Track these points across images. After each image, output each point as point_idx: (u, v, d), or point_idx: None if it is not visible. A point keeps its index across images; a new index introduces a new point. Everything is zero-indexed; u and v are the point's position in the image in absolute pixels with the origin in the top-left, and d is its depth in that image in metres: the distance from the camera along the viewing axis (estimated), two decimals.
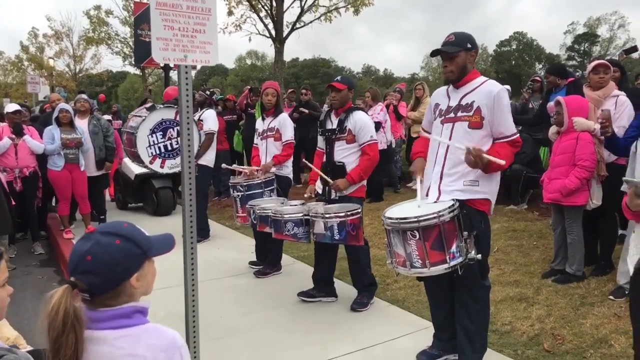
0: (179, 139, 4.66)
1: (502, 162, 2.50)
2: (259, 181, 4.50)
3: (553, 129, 4.34)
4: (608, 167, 4.01)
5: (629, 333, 3.16)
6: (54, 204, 7.46)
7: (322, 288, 4.03)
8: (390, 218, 2.58)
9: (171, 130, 4.71)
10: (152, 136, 4.52)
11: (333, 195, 3.76)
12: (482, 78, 2.74)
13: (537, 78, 7.45)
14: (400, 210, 2.71)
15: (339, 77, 3.99)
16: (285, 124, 4.76)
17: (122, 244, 1.32)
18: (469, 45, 2.69)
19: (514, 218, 6.08)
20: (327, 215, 3.41)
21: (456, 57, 2.68)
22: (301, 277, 4.60)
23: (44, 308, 1.22)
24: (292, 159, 4.89)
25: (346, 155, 3.77)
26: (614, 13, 52.16)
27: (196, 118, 5.56)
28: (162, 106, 5.14)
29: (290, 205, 3.94)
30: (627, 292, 3.54)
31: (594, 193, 4.02)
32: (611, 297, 3.69)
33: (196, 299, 2.55)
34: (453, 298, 2.81)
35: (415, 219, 2.48)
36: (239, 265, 5.02)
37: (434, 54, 2.79)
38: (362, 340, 3.27)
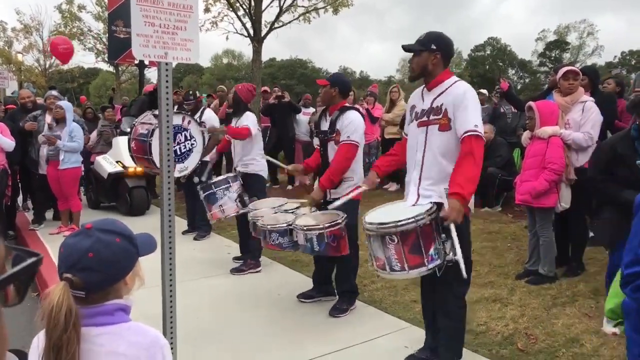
0: (186, 143, 4.76)
1: (469, 176, 2.51)
2: (223, 178, 4.67)
3: (526, 134, 4.44)
4: (576, 172, 4.12)
5: (599, 333, 3.26)
6: (21, 203, 7.27)
7: (321, 288, 4.03)
8: (370, 223, 2.59)
9: (179, 135, 4.82)
10: None
11: (329, 197, 3.71)
12: (453, 79, 2.74)
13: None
14: (380, 214, 2.71)
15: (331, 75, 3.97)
16: (246, 117, 4.81)
17: (121, 242, 1.32)
18: (432, 47, 2.69)
19: (489, 220, 6.19)
20: (306, 228, 3.39)
21: (417, 56, 2.72)
22: (279, 278, 4.58)
23: (43, 307, 1.19)
24: (262, 157, 4.90)
25: None
26: (583, 21, 53.83)
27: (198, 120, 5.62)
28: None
29: (284, 212, 3.90)
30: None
31: (562, 196, 4.12)
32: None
33: (174, 300, 2.51)
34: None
35: (393, 224, 2.49)
36: (215, 266, 4.96)
37: (404, 49, 2.83)
38: (341, 341, 3.28)
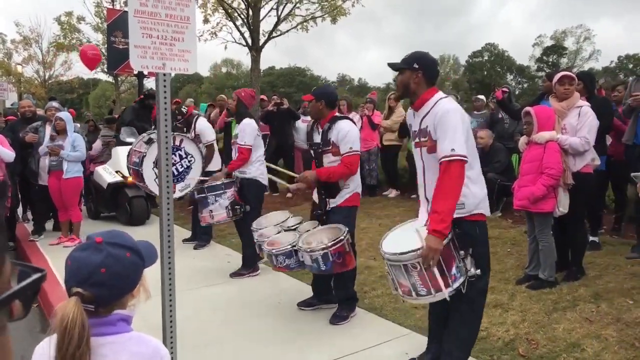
0: (182, 162, 4.79)
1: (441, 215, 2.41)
2: (219, 183, 4.74)
3: (523, 139, 4.45)
4: (574, 176, 4.13)
5: (600, 337, 3.25)
6: (20, 214, 7.27)
7: (321, 296, 4.04)
8: (389, 253, 2.56)
9: (173, 156, 4.83)
10: (156, 169, 4.67)
11: (327, 207, 3.73)
12: (437, 97, 2.67)
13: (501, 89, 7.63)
14: (396, 239, 2.68)
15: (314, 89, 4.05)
16: (242, 128, 4.83)
17: (131, 257, 1.32)
18: (415, 66, 2.66)
19: (489, 226, 6.07)
20: (309, 250, 3.44)
21: (401, 74, 2.73)
22: (279, 286, 4.57)
23: (55, 322, 1.18)
24: (262, 164, 4.92)
25: None
26: (580, 26, 54.03)
27: (192, 135, 5.62)
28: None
29: (287, 229, 3.95)
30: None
31: (560, 201, 4.12)
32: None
33: (174, 310, 2.51)
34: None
35: (414, 253, 2.45)
36: (216, 274, 4.96)
37: (389, 66, 2.83)
38: (341, 348, 3.27)
